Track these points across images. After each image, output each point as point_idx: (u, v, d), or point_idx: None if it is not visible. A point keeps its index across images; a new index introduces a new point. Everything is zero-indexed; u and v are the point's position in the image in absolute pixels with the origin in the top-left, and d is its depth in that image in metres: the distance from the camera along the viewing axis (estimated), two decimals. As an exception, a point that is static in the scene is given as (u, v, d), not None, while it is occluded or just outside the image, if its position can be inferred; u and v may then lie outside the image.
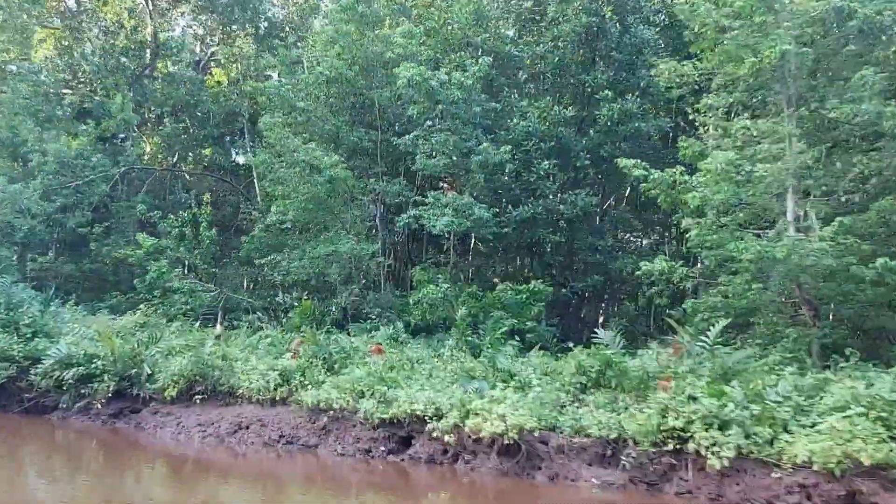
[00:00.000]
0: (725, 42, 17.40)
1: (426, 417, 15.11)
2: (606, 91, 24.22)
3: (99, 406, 18.22)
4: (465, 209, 22.04)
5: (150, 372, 18.51)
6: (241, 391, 17.79)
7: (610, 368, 15.58)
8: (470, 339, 20.09)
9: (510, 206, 23.63)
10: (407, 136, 23.57)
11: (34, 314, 20.50)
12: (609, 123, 24.27)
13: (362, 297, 23.35)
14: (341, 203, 23.38)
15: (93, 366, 18.48)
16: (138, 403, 18.59)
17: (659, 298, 20.84)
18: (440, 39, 24.57)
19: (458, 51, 24.58)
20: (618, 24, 25.13)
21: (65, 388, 18.58)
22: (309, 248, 23.31)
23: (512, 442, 13.99)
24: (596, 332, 18.02)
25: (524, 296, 21.65)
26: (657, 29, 26.09)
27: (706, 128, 20.11)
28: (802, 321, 17.04)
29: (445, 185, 24.36)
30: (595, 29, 24.95)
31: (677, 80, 19.10)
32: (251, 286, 29.21)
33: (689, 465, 12.79)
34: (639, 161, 18.22)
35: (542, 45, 25.39)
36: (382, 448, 15.53)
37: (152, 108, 34.64)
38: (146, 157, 35.53)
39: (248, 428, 16.70)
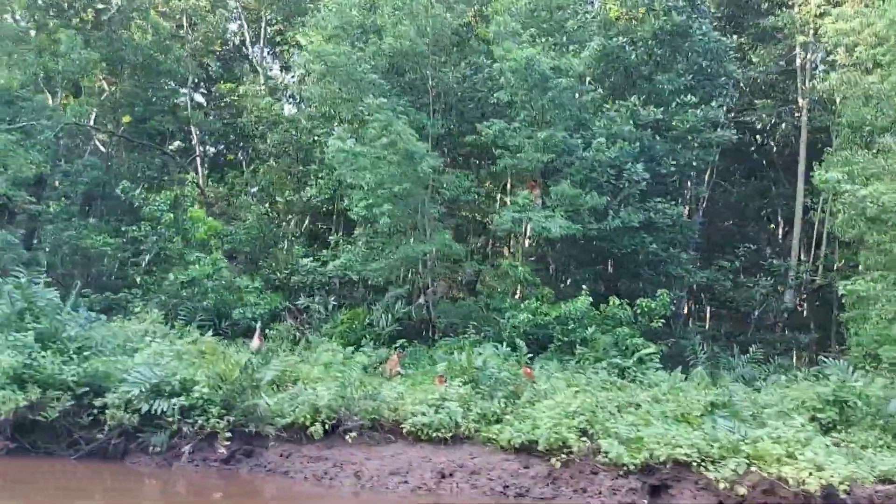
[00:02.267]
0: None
1: (692, 462, 12.67)
2: (690, 96, 22.85)
3: (219, 449, 13.61)
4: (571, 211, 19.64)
5: (269, 402, 14.23)
6: (405, 427, 14.16)
7: (862, 402, 14.09)
8: (614, 359, 17.71)
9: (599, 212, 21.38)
10: (492, 126, 20.56)
11: (78, 323, 15.14)
12: (687, 130, 22.92)
13: (450, 304, 20.01)
14: (428, 198, 19.81)
15: (194, 395, 13.83)
16: (251, 443, 14.21)
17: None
18: (539, 18, 21.64)
19: (550, 33, 21.87)
20: (702, 27, 23.79)
21: (155, 424, 13.75)
22: (389, 248, 19.57)
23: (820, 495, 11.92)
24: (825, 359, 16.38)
25: (639, 310, 19.59)
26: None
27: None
28: None
29: (531, 184, 21.68)
30: (679, 29, 23.42)
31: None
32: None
33: None
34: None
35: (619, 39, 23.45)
36: (638, 499, 12.75)
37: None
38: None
39: (451, 475, 13.12)
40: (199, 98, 34.85)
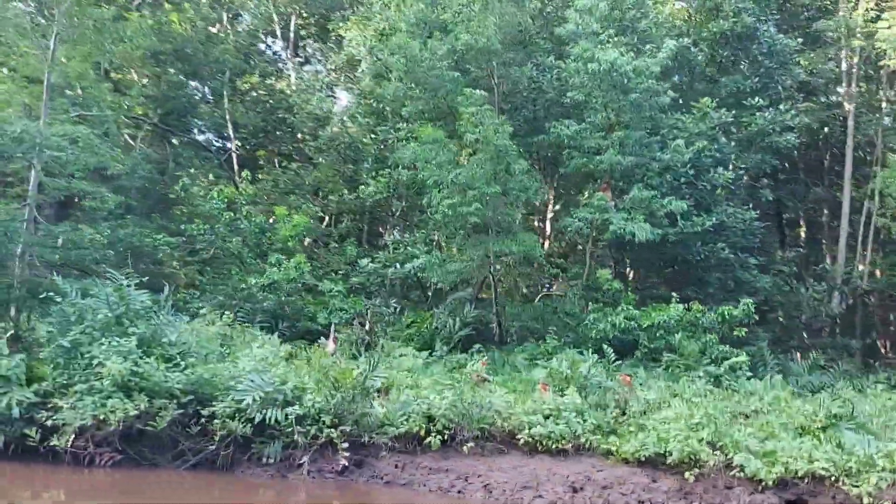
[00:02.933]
0: None
1: (830, 477, 12.35)
2: (758, 99, 22.56)
3: (340, 460, 13.06)
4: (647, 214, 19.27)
5: (381, 411, 13.73)
6: (521, 437, 13.72)
7: None
8: (707, 367, 17.34)
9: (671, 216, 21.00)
10: (568, 127, 20.12)
11: (178, 328, 14.51)
12: (756, 133, 22.62)
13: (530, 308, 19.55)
14: (514, 198, 19.32)
15: (307, 404, 13.29)
16: (359, 453, 13.67)
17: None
18: (612, 18, 21.22)
19: (623, 33, 21.46)
20: (769, 29, 23.51)
21: (267, 434, 13.18)
22: (470, 249, 19.05)
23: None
24: None
25: (721, 317, 19.23)
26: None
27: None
28: None
29: (605, 186, 21.27)
30: (747, 31, 23.10)
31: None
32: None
33: None
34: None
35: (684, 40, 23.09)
36: (777, 516, 12.40)
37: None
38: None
39: (582, 489, 12.68)
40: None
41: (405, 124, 22.57)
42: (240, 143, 31.69)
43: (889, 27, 27.74)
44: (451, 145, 18.57)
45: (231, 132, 31.06)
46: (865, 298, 29.37)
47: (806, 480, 12.48)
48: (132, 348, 13.26)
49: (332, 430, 13.22)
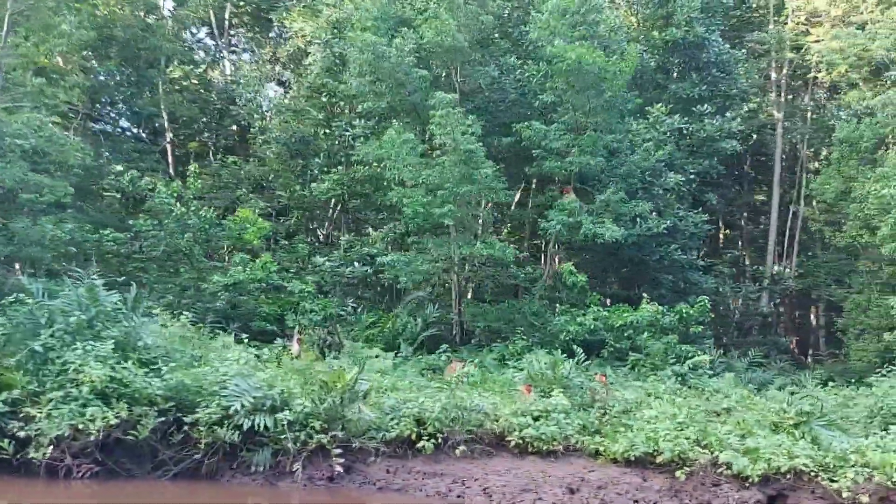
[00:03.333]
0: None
1: (809, 472, 12.90)
2: (707, 106, 23.36)
3: (335, 466, 12.68)
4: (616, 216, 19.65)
5: (370, 415, 13.45)
6: (511, 439, 13.70)
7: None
8: (673, 366, 17.81)
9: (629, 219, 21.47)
10: (532, 128, 20.25)
11: (152, 330, 13.73)
12: (704, 139, 23.43)
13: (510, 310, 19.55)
14: (484, 200, 19.28)
15: (296, 409, 12.87)
16: (348, 458, 13.33)
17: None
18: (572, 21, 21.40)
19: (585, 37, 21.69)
20: (718, 39, 24.34)
21: (256, 441, 12.67)
22: (438, 248, 18.87)
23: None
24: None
25: (678, 317, 19.80)
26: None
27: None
28: None
29: (565, 188, 21.51)
30: (697, 40, 23.85)
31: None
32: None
33: None
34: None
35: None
36: (762, 511, 12.85)
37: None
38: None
39: (578, 490, 12.76)
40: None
41: (362, 121, 22.18)
42: (173, 136, 30.39)
43: (817, 41, 29.37)
44: (419, 145, 18.33)
45: (166, 124, 29.77)
46: (792, 298, 30.90)
47: (788, 476, 13.00)
48: (109, 353, 12.48)
49: (323, 435, 12.85)
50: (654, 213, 21.39)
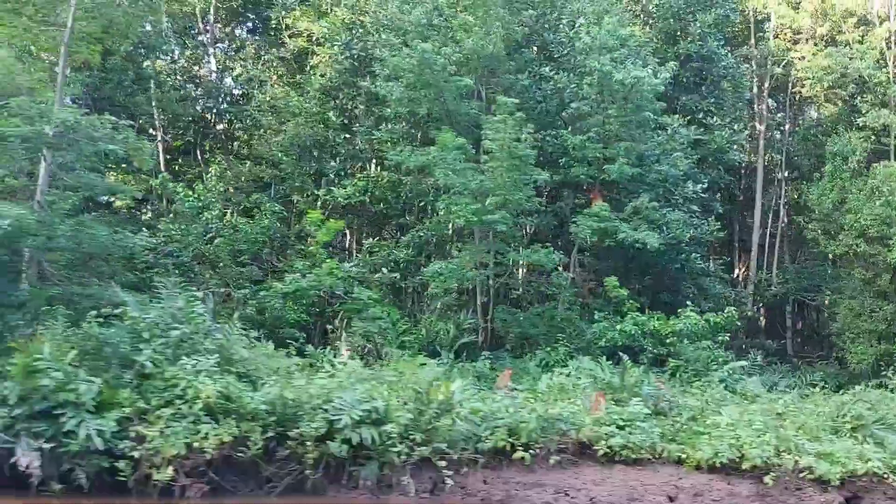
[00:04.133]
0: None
1: (883, 474, 13.66)
2: (715, 118, 24.24)
3: (445, 480, 12.63)
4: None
5: (466, 426, 13.47)
6: (599, 448, 13.94)
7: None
8: (715, 372, 18.40)
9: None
10: (574, 137, 20.64)
11: (242, 344, 13.34)
12: (715, 150, 24.36)
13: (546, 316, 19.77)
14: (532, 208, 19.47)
15: (401, 421, 12.79)
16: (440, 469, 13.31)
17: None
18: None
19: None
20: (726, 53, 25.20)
21: (364, 455, 12.52)
22: (475, 254, 18.96)
23: None
24: None
25: (708, 324, 20.41)
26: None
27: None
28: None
29: (593, 195, 21.92)
30: (709, 53, 24.68)
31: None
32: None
33: None
34: None
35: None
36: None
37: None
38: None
39: (677, 498, 13.12)
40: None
41: (388, 124, 22.07)
42: (167, 135, 29.40)
43: (802, 58, 30.83)
44: (470, 151, 18.42)
45: (157, 121, 28.73)
46: (776, 302, 32.20)
47: (863, 479, 13.71)
48: (211, 368, 12.11)
49: (424, 447, 12.80)
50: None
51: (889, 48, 29.12)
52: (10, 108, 13.09)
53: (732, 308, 20.83)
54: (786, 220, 32.67)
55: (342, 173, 23.68)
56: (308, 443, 12.22)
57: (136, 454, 11.07)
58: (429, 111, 20.71)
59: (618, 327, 19.02)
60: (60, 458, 10.80)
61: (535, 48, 23.26)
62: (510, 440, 13.53)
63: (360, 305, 18.84)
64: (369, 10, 23.70)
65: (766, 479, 13.41)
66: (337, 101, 24.29)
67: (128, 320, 12.03)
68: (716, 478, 13.72)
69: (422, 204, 23.00)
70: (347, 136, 23.88)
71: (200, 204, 20.19)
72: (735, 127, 24.65)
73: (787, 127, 33.32)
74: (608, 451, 13.92)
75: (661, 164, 20.91)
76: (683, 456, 14.04)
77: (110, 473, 11.05)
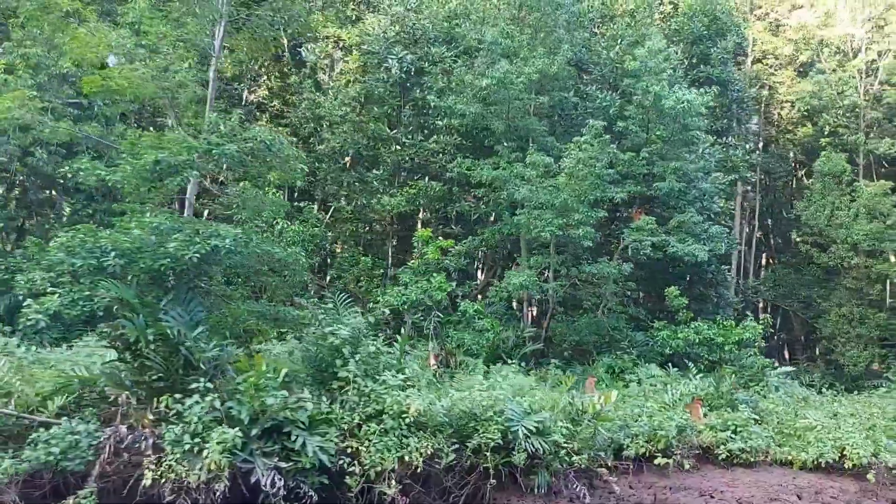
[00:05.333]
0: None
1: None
2: (730, 137, 26.08)
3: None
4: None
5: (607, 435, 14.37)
6: (720, 452, 15.15)
7: None
8: (772, 379, 19.95)
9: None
10: (626, 154, 21.89)
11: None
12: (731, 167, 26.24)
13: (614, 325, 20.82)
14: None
15: (562, 431, 13.53)
16: (587, 475, 14.13)
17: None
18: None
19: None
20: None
21: (533, 464, 13.15)
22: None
23: None
24: None
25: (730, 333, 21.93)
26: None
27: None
28: None
29: (637, 210, 23.17)
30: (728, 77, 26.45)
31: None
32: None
33: None
34: None
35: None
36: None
37: None
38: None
39: (803, 497, 14.40)
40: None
41: (441, 136, 22.60)
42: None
43: (781, 82, 33.39)
44: (552, 167, 19.29)
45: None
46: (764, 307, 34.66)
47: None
48: (401, 382, 12.44)
49: (578, 456, 13.56)
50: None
51: (861, 78, 32.00)
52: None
53: (768, 316, 22.62)
54: (759, 233, 35.17)
55: (387, 182, 23.89)
56: (487, 452, 12.75)
57: (354, 468, 11.30)
58: (504, 128, 21.40)
59: (679, 335, 20.30)
60: (285, 476, 10.92)
61: (573, 68, 24.26)
62: (649, 446, 14.54)
63: (467, 317, 19.28)
64: (419, 24, 23.98)
65: (869, 476, 14.96)
66: (380, 110, 24.41)
67: (328, 338, 12.14)
68: (823, 476, 15.18)
69: (476, 216, 23.56)
70: (398, 147, 24.08)
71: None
72: (747, 146, 26.57)
73: (760, 146, 35.92)
74: (727, 454, 15.16)
75: (702, 182, 22.36)
76: (790, 458, 15.45)
77: (326, 489, 11.23)
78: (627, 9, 25.64)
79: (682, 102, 20.53)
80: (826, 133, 31.19)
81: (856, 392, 22.83)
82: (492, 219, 23.63)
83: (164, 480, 10.33)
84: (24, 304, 12.18)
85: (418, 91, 23.56)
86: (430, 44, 23.41)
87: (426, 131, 23.87)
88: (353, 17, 27.02)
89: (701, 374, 20.19)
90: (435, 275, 19.46)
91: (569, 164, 19.24)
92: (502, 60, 20.35)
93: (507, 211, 21.42)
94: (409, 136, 23.65)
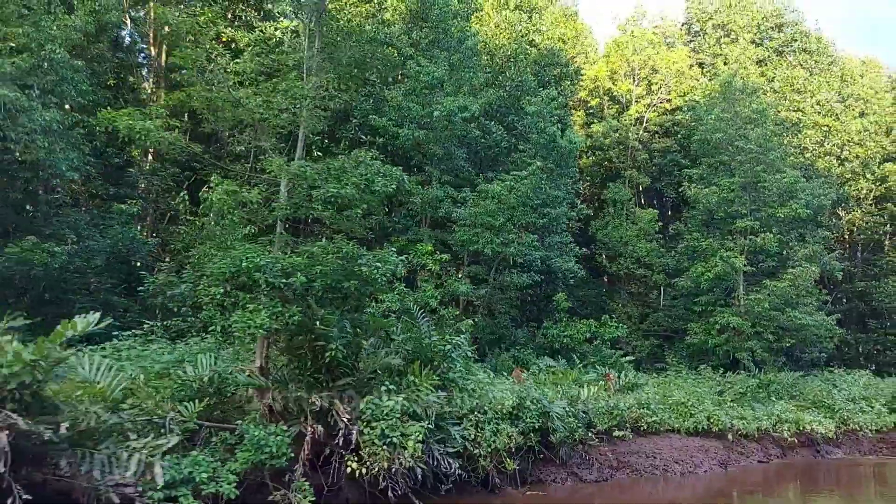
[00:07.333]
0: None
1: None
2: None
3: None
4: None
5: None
6: (640, 424, 20.25)
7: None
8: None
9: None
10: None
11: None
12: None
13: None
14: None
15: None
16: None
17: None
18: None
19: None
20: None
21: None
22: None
23: None
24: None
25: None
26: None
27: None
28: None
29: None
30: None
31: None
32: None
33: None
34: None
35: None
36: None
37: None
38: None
39: (703, 449, 20.15)
40: None
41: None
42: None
43: (575, 121, 40.46)
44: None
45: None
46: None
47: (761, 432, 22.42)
48: (486, 379, 15.44)
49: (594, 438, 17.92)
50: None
51: (633, 125, 40.04)
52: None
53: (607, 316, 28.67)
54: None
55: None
56: (531, 433, 16.19)
57: (477, 451, 14.14)
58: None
59: (566, 332, 25.44)
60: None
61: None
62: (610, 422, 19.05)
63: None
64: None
65: (729, 436, 21.19)
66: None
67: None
68: (702, 439, 21.01)
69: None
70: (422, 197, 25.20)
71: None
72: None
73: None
74: (647, 426, 20.26)
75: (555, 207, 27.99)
76: (677, 426, 21.02)
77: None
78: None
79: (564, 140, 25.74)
80: (606, 167, 38.86)
81: (655, 374, 29.94)
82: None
83: (367, 471, 12.18)
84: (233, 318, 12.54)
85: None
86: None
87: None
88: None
89: (586, 364, 25.34)
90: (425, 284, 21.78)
91: (499, 189, 22.95)
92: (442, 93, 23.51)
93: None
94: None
